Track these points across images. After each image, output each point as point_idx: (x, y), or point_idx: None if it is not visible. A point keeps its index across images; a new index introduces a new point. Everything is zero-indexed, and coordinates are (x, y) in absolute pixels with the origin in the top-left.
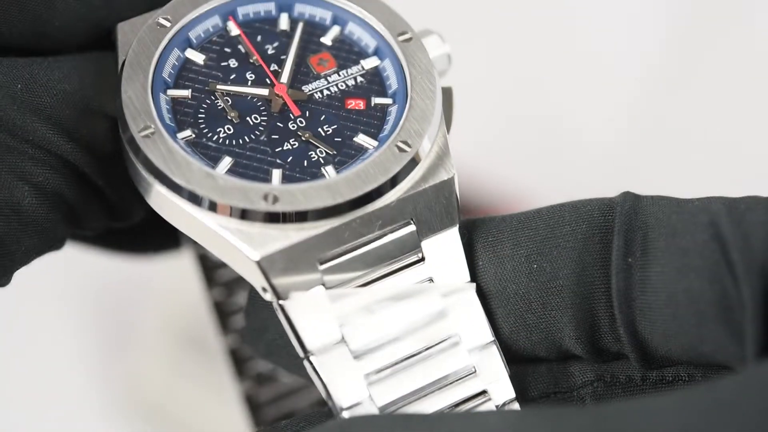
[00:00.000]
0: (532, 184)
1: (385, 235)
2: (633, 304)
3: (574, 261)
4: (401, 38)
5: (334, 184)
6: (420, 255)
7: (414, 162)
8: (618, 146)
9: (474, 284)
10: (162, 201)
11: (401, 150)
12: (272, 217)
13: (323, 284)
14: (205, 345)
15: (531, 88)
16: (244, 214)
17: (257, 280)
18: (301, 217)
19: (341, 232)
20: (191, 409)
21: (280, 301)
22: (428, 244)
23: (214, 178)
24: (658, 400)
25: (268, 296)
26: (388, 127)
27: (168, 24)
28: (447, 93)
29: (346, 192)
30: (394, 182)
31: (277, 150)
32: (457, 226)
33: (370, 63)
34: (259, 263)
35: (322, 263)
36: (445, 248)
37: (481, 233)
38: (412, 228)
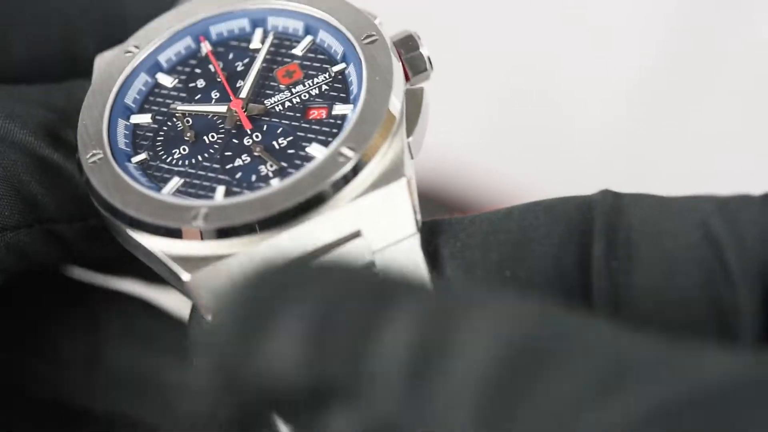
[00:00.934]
0: (527, 176)
1: (331, 248)
2: (617, 314)
3: (550, 266)
4: (366, 41)
5: (269, 195)
6: (374, 270)
7: (358, 168)
8: (617, 134)
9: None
10: (109, 224)
11: (344, 156)
12: (205, 235)
13: None
14: None
15: (528, 76)
16: (180, 234)
17: (195, 300)
18: (233, 232)
19: (276, 246)
20: None
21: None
22: (383, 257)
23: (151, 200)
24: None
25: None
26: (340, 134)
27: (136, 50)
28: (414, 94)
29: (279, 203)
30: (335, 190)
31: (227, 167)
32: (415, 235)
33: (337, 69)
34: (188, 284)
35: None
36: (403, 260)
37: (448, 238)
38: (359, 236)
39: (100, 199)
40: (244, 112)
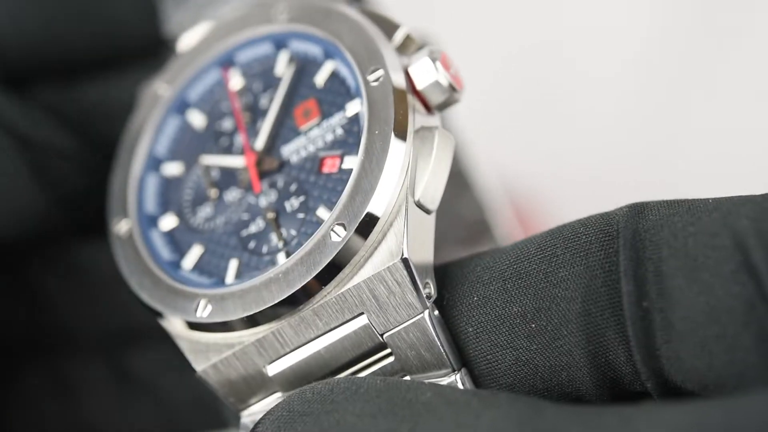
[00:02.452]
0: (536, 170)
1: (331, 330)
2: (658, 354)
3: (577, 313)
4: (371, 77)
5: (263, 286)
6: (387, 350)
7: (351, 249)
8: (627, 121)
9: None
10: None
11: (334, 237)
12: (208, 327)
13: (279, 390)
14: None
15: (533, 71)
16: (189, 324)
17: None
18: (233, 326)
19: (280, 336)
20: None
21: (240, 413)
22: (392, 337)
23: (162, 285)
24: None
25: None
26: (338, 203)
27: (166, 91)
28: (425, 136)
29: (272, 296)
30: (331, 274)
31: (242, 234)
32: (423, 315)
33: (353, 108)
34: (200, 374)
35: (271, 368)
36: (414, 340)
37: (463, 290)
38: (363, 321)
39: (121, 272)
40: (258, 168)
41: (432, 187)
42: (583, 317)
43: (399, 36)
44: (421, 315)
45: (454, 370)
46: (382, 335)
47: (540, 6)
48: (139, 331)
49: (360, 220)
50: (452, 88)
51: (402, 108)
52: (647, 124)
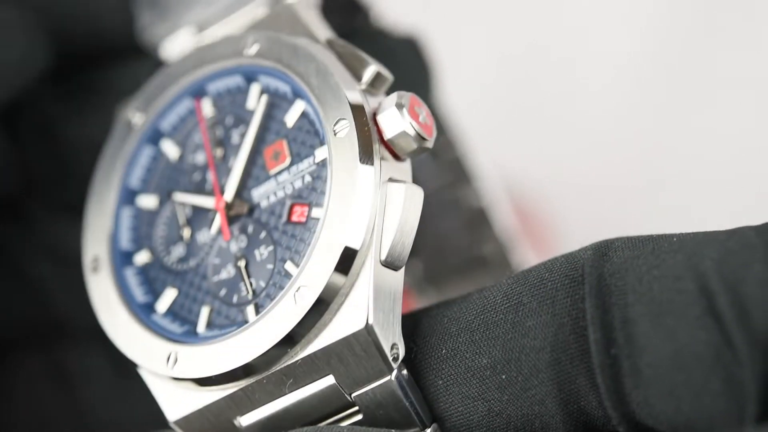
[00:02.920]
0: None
1: (299, 388)
2: (628, 400)
3: (547, 363)
4: (337, 128)
5: (231, 346)
6: (355, 407)
7: (316, 311)
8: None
9: None
10: None
11: (300, 300)
12: (178, 383)
13: None
14: None
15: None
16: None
17: None
18: (203, 382)
19: (251, 393)
20: None
21: None
22: (360, 397)
23: (136, 333)
24: None
25: None
26: (305, 255)
27: (138, 120)
28: (392, 191)
29: (239, 358)
30: (296, 337)
31: (214, 279)
32: (390, 378)
33: (321, 154)
34: (173, 424)
35: (243, 420)
36: (382, 398)
37: (431, 342)
38: (331, 380)
39: (95, 312)
40: (227, 212)
41: (399, 245)
42: (553, 366)
43: (368, 75)
44: (388, 378)
45: (425, 427)
46: (350, 395)
47: (538, 6)
48: None
49: (325, 283)
50: (421, 138)
51: (368, 160)
52: (645, 124)
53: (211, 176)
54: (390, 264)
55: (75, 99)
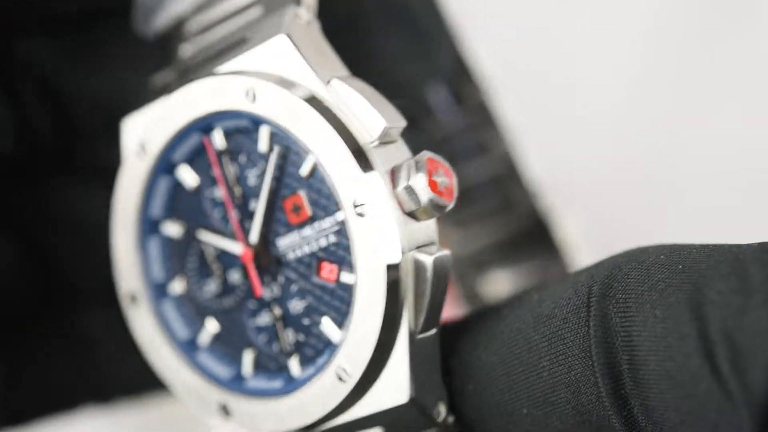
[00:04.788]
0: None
1: None
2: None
3: (564, 400)
4: (356, 210)
5: (282, 410)
6: None
7: (360, 390)
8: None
9: None
10: None
11: (340, 379)
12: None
13: None
14: None
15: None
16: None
17: None
18: None
19: None
20: None
21: None
22: None
23: (182, 374)
24: None
25: None
26: (346, 325)
27: (147, 150)
28: (418, 268)
29: (288, 422)
30: (341, 408)
31: (251, 325)
32: (437, 427)
33: (342, 216)
34: None
35: None
36: None
37: (458, 380)
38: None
39: (142, 350)
40: (255, 263)
41: (433, 312)
42: (569, 402)
43: (378, 133)
44: (435, 430)
45: None
46: None
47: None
48: None
49: (364, 366)
50: (441, 207)
51: (393, 236)
52: (646, 122)
53: (231, 216)
54: (425, 330)
55: (70, 55)
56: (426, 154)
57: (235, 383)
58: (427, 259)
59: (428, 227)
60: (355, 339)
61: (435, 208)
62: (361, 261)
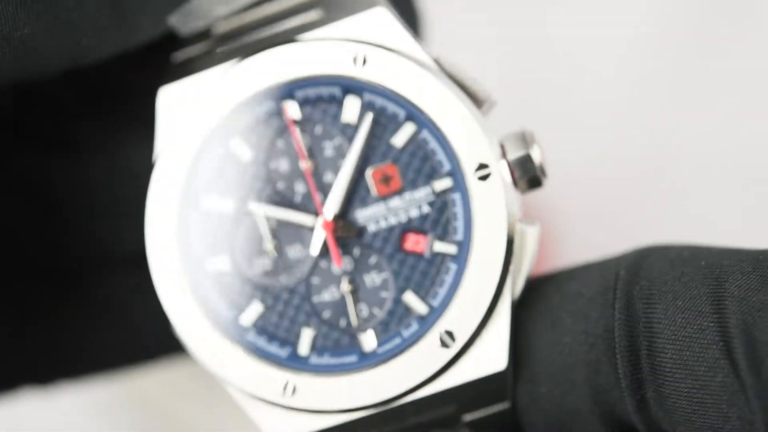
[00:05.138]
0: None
1: (421, 417)
2: (655, 417)
3: (582, 379)
4: (479, 173)
5: (357, 383)
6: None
7: (458, 355)
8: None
9: None
10: None
11: (443, 344)
12: (298, 413)
13: None
14: None
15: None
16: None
17: None
18: (324, 412)
19: (367, 422)
20: None
21: None
22: (472, 415)
23: (240, 360)
24: None
25: None
26: (441, 294)
27: (209, 110)
28: (523, 236)
29: (368, 396)
30: (431, 378)
31: (313, 300)
32: (507, 409)
33: (442, 185)
34: None
35: None
36: (494, 420)
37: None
38: (453, 408)
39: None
40: (335, 237)
41: (524, 280)
42: (587, 382)
43: (487, 105)
44: (506, 402)
45: None
46: (463, 418)
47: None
48: None
49: (473, 331)
50: (539, 182)
51: (511, 206)
52: (644, 119)
53: (304, 189)
54: (517, 300)
55: None
56: (528, 130)
57: (296, 361)
58: (534, 230)
59: (520, 200)
60: (464, 303)
61: (535, 182)
62: (478, 225)
